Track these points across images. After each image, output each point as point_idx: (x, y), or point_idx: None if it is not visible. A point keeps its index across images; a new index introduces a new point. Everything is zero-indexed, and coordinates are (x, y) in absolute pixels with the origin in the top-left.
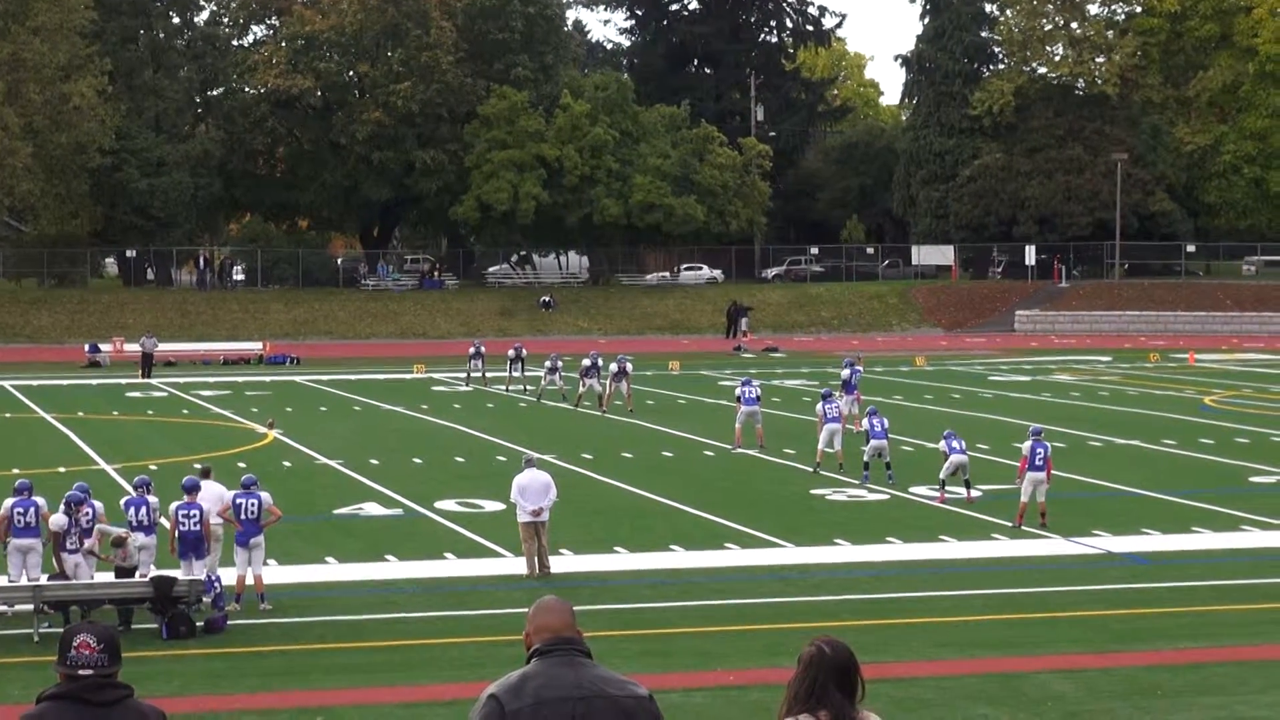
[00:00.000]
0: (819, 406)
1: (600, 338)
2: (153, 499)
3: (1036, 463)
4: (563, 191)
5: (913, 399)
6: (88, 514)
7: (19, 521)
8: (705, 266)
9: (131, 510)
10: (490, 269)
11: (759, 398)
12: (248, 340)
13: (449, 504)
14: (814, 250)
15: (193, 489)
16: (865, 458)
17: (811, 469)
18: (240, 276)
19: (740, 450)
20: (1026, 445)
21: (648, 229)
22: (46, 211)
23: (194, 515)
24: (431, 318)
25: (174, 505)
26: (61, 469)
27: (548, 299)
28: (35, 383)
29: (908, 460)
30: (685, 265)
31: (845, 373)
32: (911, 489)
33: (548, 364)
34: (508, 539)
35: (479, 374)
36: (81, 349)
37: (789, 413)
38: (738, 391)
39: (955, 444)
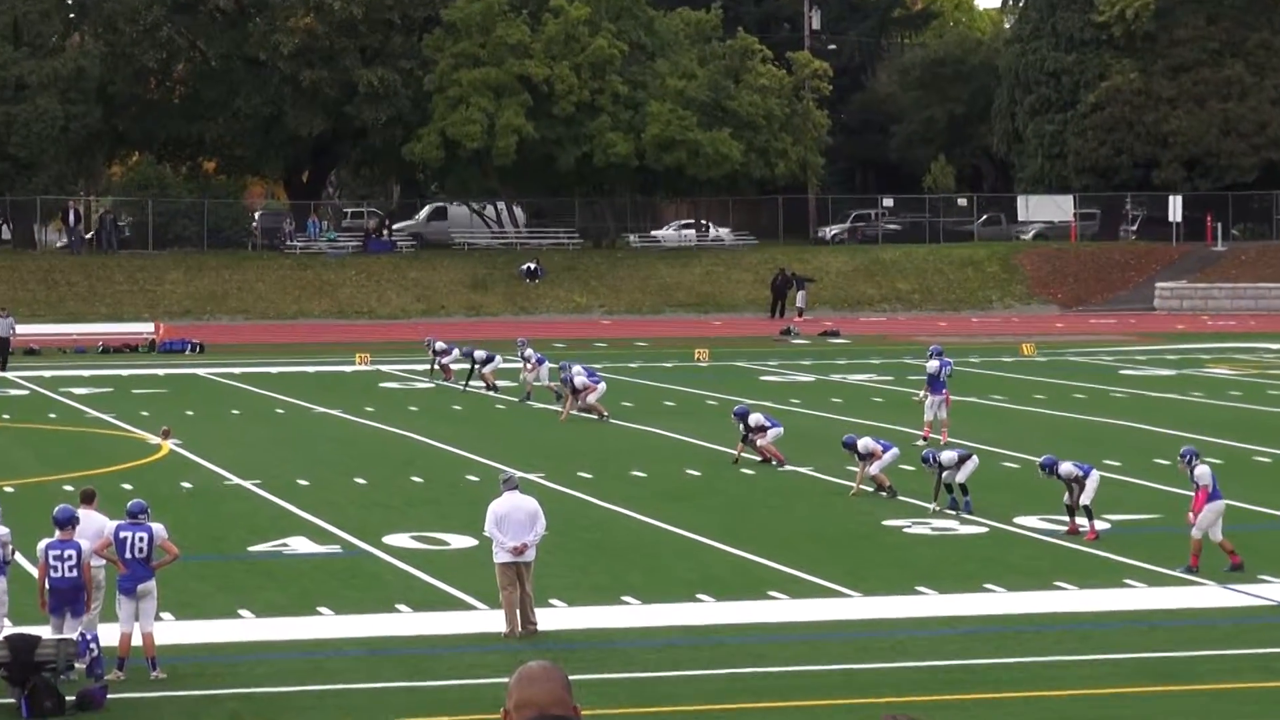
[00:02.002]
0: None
1: (603, 317)
2: (1, 531)
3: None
4: (554, 124)
5: (1019, 399)
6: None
7: None
8: (712, 224)
9: None
10: (459, 229)
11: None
12: (135, 321)
13: (402, 539)
14: (887, 202)
15: (68, 522)
16: (947, 479)
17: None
18: (126, 235)
19: (787, 467)
20: (1202, 472)
21: (667, 173)
22: None
23: (70, 557)
24: (379, 291)
25: (43, 544)
26: None
27: (533, 266)
28: None
29: (1013, 481)
30: (680, 222)
31: (932, 365)
32: (1017, 519)
33: (528, 351)
34: (481, 585)
35: (441, 366)
36: None
37: (853, 418)
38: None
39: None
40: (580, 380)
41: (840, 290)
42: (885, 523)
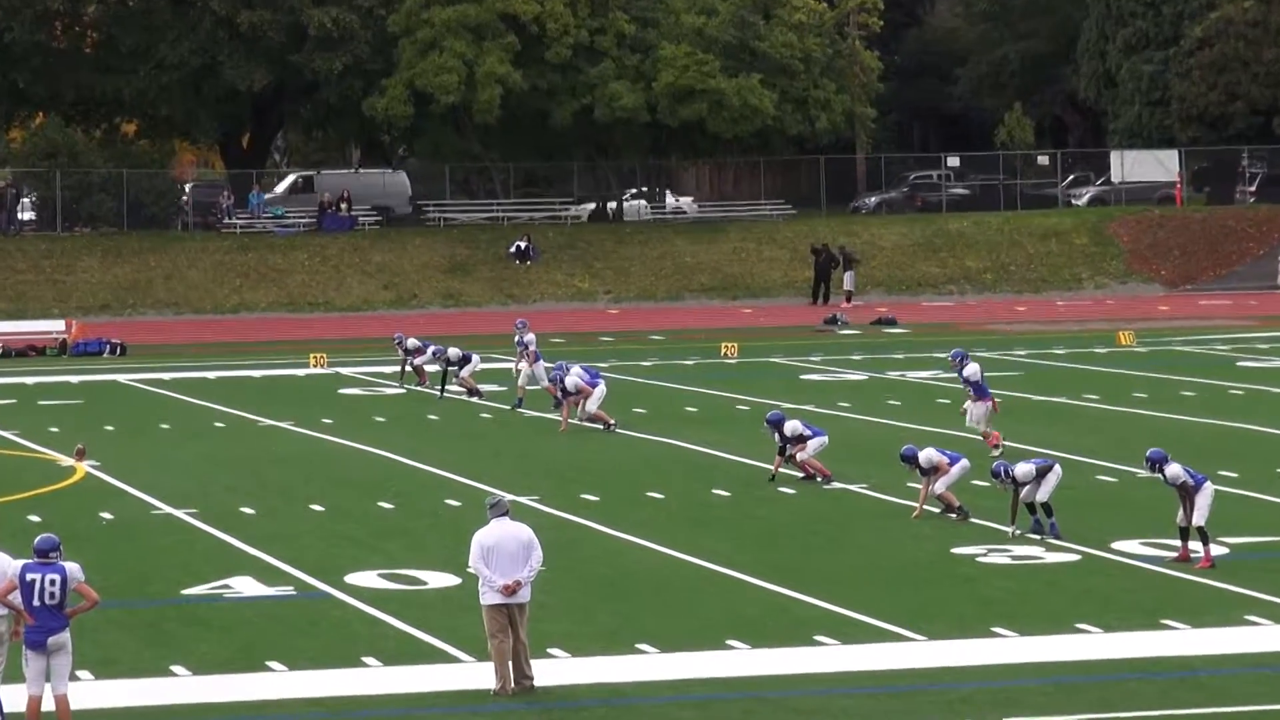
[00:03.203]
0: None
1: (610, 306)
2: None
3: None
4: (546, 72)
5: (1115, 398)
6: None
7: None
8: (669, 191)
9: None
10: (429, 203)
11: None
12: (41, 318)
13: (368, 577)
14: (952, 161)
15: None
16: (1025, 498)
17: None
18: (28, 215)
19: (834, 484)
20: None
21: (683, 130)
22: None
23: None
24: (337, 278)
25: None
26: None
27: (523, 245)
28: None
29: (1109, 497)
30: (632, 191)
31: (970, 370)
32: (1115, 544)
33: (527, 336)
34: (465, 632)
35: (414, 368)
36: None
37: (914, 424)
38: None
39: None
40: (573, 381)
41: (896, 269)
42: (955, 550)
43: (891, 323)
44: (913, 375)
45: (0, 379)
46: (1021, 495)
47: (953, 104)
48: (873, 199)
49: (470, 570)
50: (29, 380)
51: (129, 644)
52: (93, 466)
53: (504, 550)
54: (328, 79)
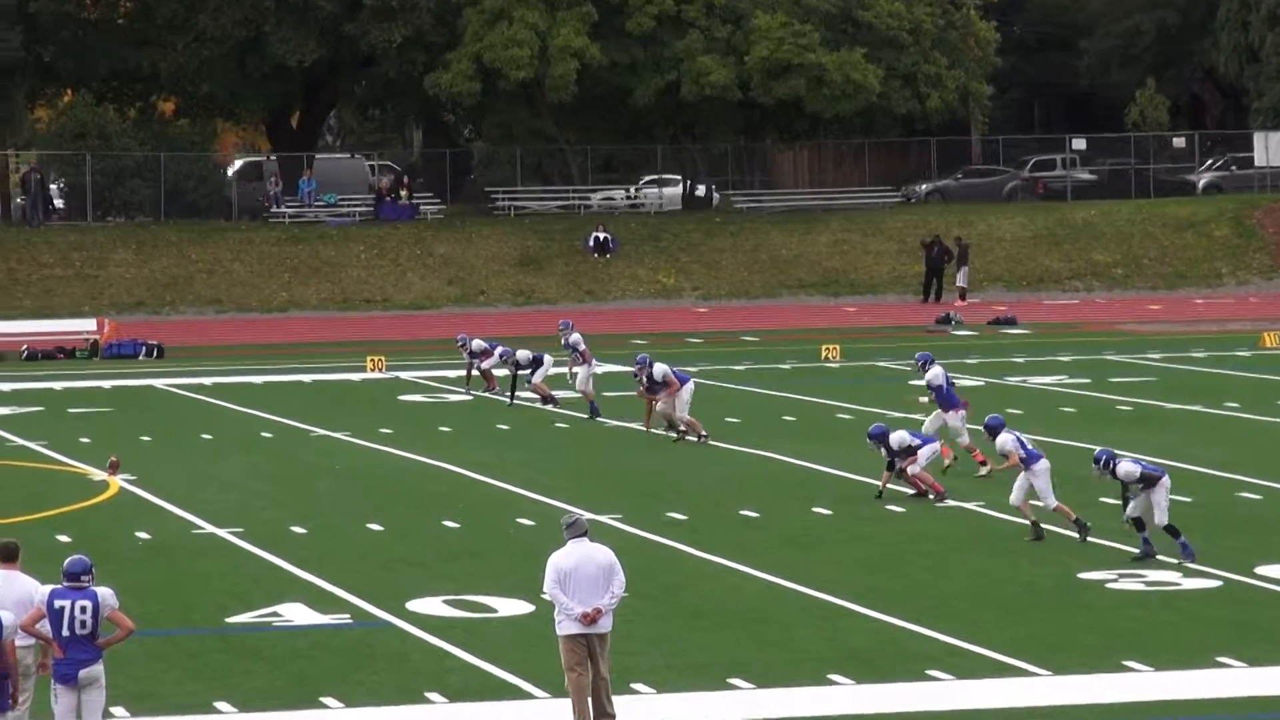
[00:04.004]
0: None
1: (698, 304)
2: None
3: None
4: (627, 45)
5: (1259, 407)
6: None
7: None
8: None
9: None
10: (499, 190)
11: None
12: (71, 316)
13: (432, 604)
14: (1077, 144)
15: None
16: (1131, 512)
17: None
18: (58, 203)
19: (949, 501)
20: None
21: (780, 109)
22: None
23: None
24: (396, 272)
25: None
26: None
27: (602, 236)
28: None
29: (1254, 516)
30: (649, 177)
31: (934, 374)
32: (1260, 569)
33: (573, 337)
34: (540, 665)
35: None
36: None
37: (1039, 433)
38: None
39: None
40: (662, 370)
41: (1015, 263)
42: (1081, 575)
43: (1011, 322)
44: (1035, 381)
45: (26, 384)
46: (1128, 510)
47: (1078, 80)
48: (924, 186)
49: (545, 597)
50: (57, 386)
51: (169, 677)
52: (127, 481)
53: (583, 575)
54: (385, 52)
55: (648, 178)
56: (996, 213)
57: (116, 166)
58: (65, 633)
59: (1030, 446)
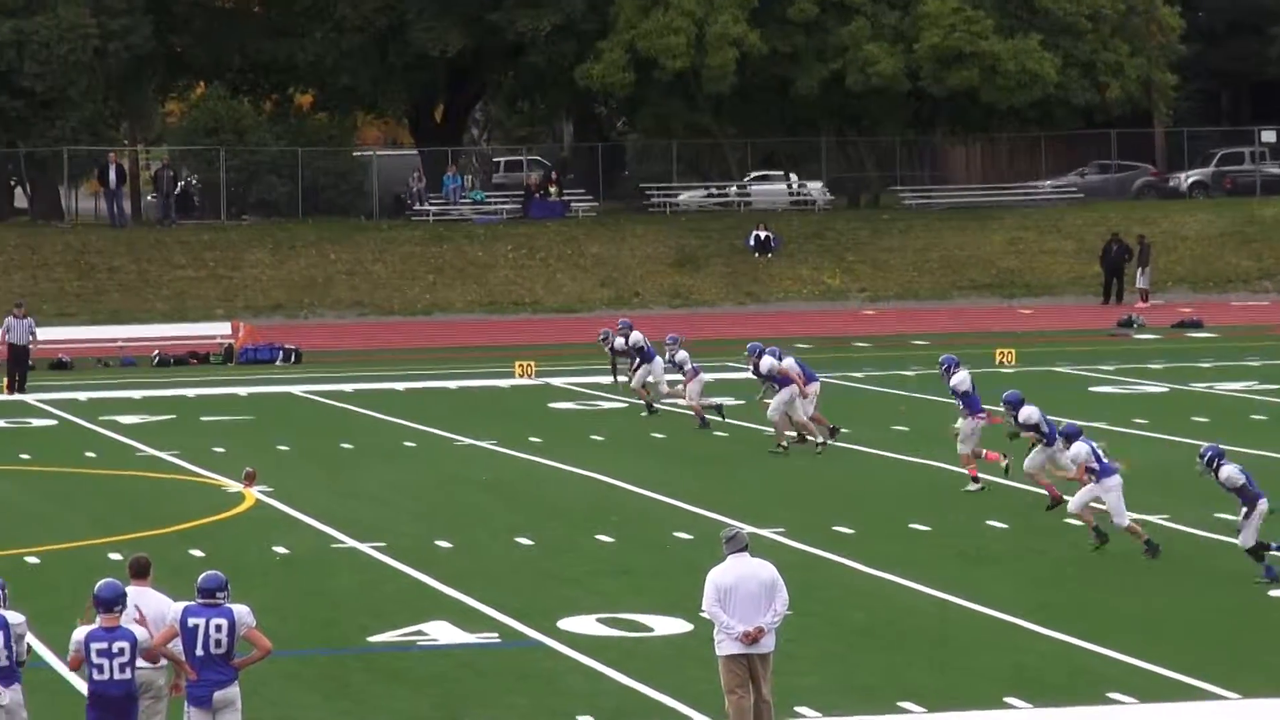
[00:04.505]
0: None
1: (865, 305)
2: (14, 619)
3: None
4: (789, 32)
5: None
6: None
7: None
8: (795, 177)
9: None
10: (653, 186)
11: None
12: (204, 320)
13: (584, 623)
14: (1268, 135)
15: (114, 602)
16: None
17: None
18: (190, 199)
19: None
20: None
21: (951, 100)
22: None
23: (120, 652)
24: (546, 273)
25: (80, 634)
26: None
27: (764, 233)
28: None
29: None
30: (757, 173)
31: (959, 379)
32: None
33: (679, 355)
34: (697, 687)
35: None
36: None
37: (1226, 443)
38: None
39: None
40: (769, 363)
41: (1201, 263)
42: (1274, 594)
43: (1196, 325)
44: (1222, 387)
45: (158, 391)
46: (1239, 539)
47: (1268, 69)
48: (1048, 183)
49: (704, 615)
50: (190, 393)
51: (307, 700)
52: (264, 492)
53: (743, 592)
54: (534, 41)
55: (754, 174)
56: (1180, 210)
57: (251, 162)
58: (199, 653)
59: (1105, 460)
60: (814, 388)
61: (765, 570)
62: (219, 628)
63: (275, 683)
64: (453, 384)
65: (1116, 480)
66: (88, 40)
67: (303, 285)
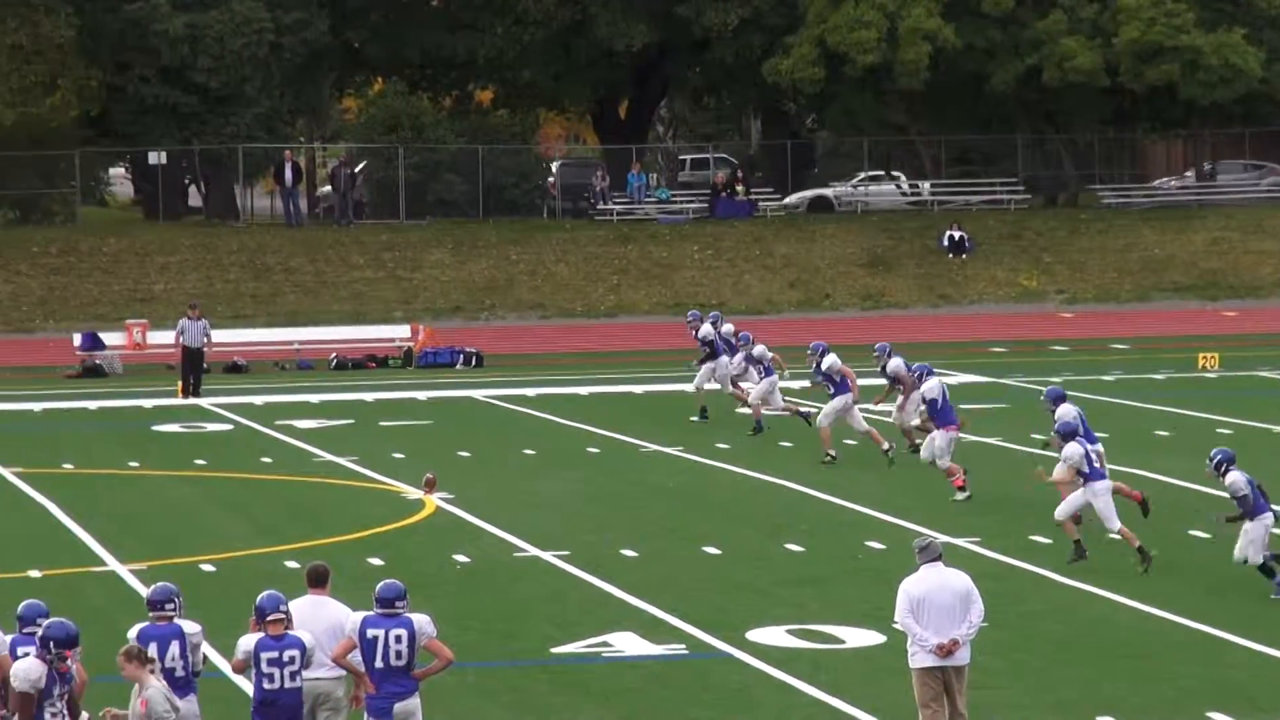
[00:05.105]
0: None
1: (1063, 308)
2: (191, 628)
3: None
4: (984, 27)
5: None
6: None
7: None
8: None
9: (153, 650)
10: (840, 183)
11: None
12: (382, 322)
13: (774, 634)
14: None
15: (282, 612)
16: (1249, 558)
17: None
18: (367, 198)
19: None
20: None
21: (1151, 96)
22: None
23: (290, 660)
24: (734, 274)
25: (249, 641)
26: (34, 572)
27: (958, 234)
28: None
29: None
30: (863, 175)
31: (930, 386)
32: None
33: (757, 349)
34: (890, 700)
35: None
36: (68, 342)
37: None
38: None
39: None
40: (832, 362)
41: None
42: None
43: None
44: None
45: (335, 395)
46: (1250, 555)
47: None
48: (1174, 181)
49: (897, 626)
50: (368, 397)
51: (490, 712)
52: (444, 499)
53: (937, 602)
54: (721, 36)
55: (862, 174)
56: None
57: (431, 160)
58: (379, 664)
59: (1097, 464)
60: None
61: (960, 580)
62: (399, 638)
63: (456, 694)
64: (638, 388)
65: (1106, 485)
66: (262, 35)
67: (483, 286)
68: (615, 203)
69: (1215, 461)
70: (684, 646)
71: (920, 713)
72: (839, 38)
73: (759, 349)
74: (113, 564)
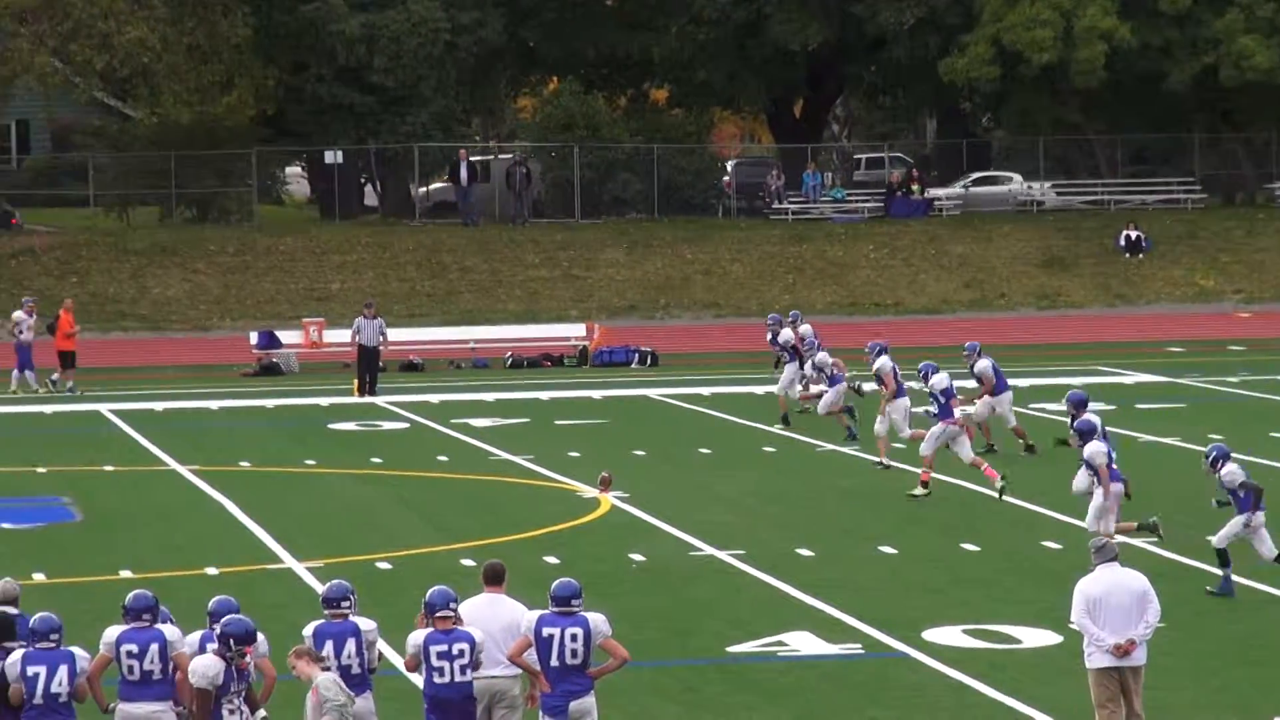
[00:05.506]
0: None
1: (1240, 308)
2: (366, 625)
3: None
4: (1160, 25)
5: None
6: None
7: (131, 670)
8: (1016, 177)
9: (328, 648)
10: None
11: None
12: (558, 321)
13: (950, 633)
14: None
15: (451, 609)
16: (1218, 542)
17: None
18: (542, 197)
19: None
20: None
21: None
22: (175, 81)
23: (460, 653)
24: (909, 273)
25: (417, 635)
26: (211, 570)
27: (1134, 234)
28: (160, 406)
29: None
30: (975, 175)
31: (940, 379)
32: None
33: (820, 356)
34: (1066, 701)
35: None
36: (245, 340)
37: None
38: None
39: None
40: (941, 381)
41: None
42: None
43: None
44: None
45: (512, 394)
46: (1215, 536)
47: None
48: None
49: (1073, 626)
50: (543, 396)
51: (665, 711)
52: (619, 498)
53: (1114, 603)
54: (896, 35)
55: (974, 175)
56: None
57: (606, 159)
58: (554, 663)
59: (1114, 466)
60: (1006, 396)
61: (1136, 581)
62: (574, 637)
63: (632, 693)
64: (814, 387)
65: (1118, 489)
66: (438, 34)
67: (658, 285)
68: (790, 202)
69: (1211, 459)
70: (860, 646)
71: (1097, 713)
72: (1015, 36)
73: (821, 356)
74: (289, 561)
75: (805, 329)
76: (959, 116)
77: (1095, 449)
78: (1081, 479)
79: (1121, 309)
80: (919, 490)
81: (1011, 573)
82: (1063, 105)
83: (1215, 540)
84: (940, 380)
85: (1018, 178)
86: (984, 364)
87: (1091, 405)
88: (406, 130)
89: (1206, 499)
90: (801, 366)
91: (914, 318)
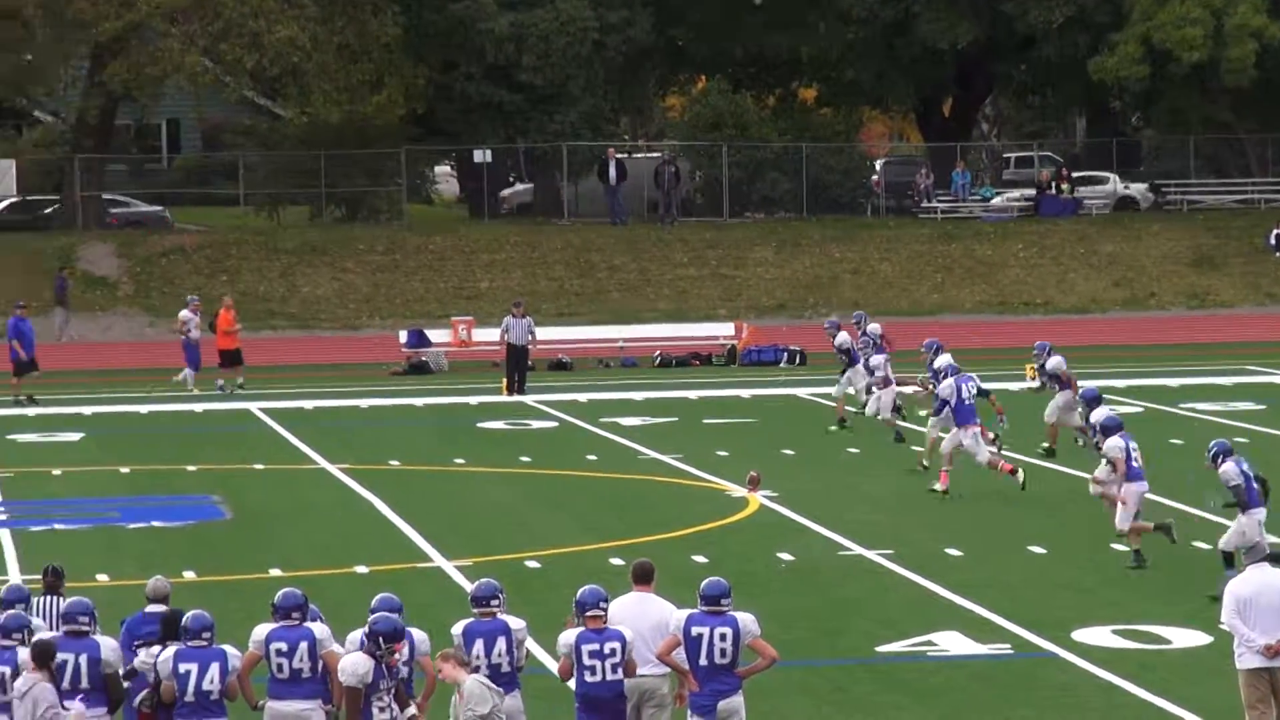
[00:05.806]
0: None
1: None
2: (515, 624)
3: None
4: None
5: None
6: (407, 655)
7: (280, 668)
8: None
9: (479, 647)
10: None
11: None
12: (706, 320)
13: (1100, 634)
14: None
15: (602, 608)
16: (1224, 545)
17: None
18: (691, 196)
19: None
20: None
21: None
22: (324, 80)
23: (611, 653)
24: (1058, 272)
25: (568, 635)
26: (361, 568)
27: None
28: (310, 404)
29: None
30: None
31: (947, 386)
32: None
33: (875, 359)
34: (1216, 702)
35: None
36: (394, 339)
37: None
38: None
39: None
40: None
41: None
42: None
43: None
44: None
45: (660, 393)
46: (1221, 540)
47: None
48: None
49: (1223, 627)
50: (692, 395)
51: (813, 710)
52: (768, 498)
53: (1264, 603)
54: (1045, 33)
55: (1078, 174)
56: None
57: (754, 158)
58: (703, 662)
59: (1137, 464)
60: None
61: None
62: (723, 636)
63: (780, 692)
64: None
65: (1143, 486)
66: (587, 33)
67: (806, 285)
68: (939, 200)
69: (1213, 454)
70: (1009, 646)
71: (1247, 714)
72: (1164, 35)
73: (876, 359)
74: (438, 560)
75: (874, 327)
76: (1108, 115)
77: (1114, 444)
78: (1103, 468)
79: (1271, 308)
80: (938, 486)
81: (1162, 572)
82: (1213, 104)
83: (1222, 543)
84: (945, 388)
85: (1114, 177)
86: (1056, 360)
87: (1239, 405)
88: (555, 129)
89: None
90: (854, 367)
91: (1063, 317)
